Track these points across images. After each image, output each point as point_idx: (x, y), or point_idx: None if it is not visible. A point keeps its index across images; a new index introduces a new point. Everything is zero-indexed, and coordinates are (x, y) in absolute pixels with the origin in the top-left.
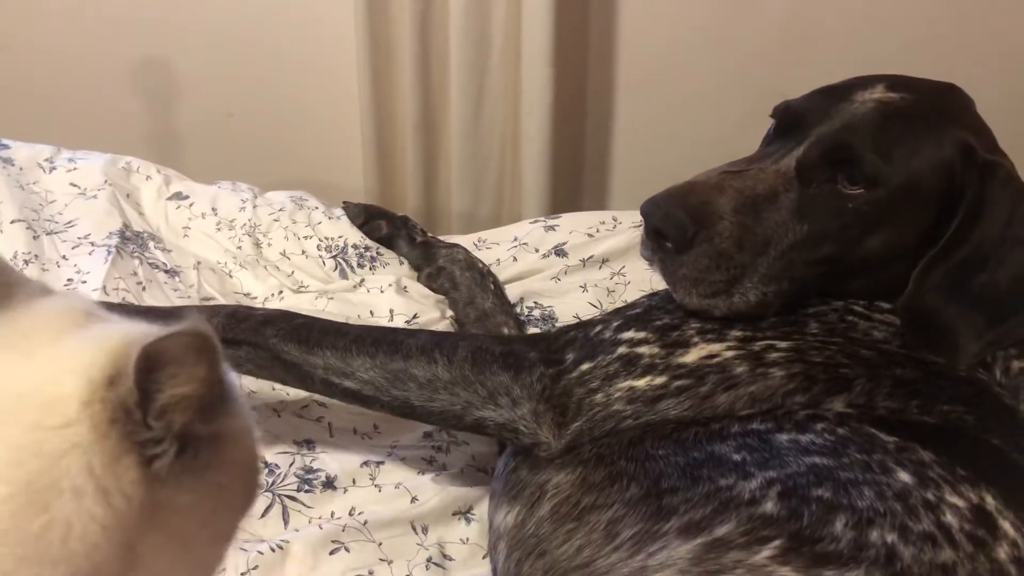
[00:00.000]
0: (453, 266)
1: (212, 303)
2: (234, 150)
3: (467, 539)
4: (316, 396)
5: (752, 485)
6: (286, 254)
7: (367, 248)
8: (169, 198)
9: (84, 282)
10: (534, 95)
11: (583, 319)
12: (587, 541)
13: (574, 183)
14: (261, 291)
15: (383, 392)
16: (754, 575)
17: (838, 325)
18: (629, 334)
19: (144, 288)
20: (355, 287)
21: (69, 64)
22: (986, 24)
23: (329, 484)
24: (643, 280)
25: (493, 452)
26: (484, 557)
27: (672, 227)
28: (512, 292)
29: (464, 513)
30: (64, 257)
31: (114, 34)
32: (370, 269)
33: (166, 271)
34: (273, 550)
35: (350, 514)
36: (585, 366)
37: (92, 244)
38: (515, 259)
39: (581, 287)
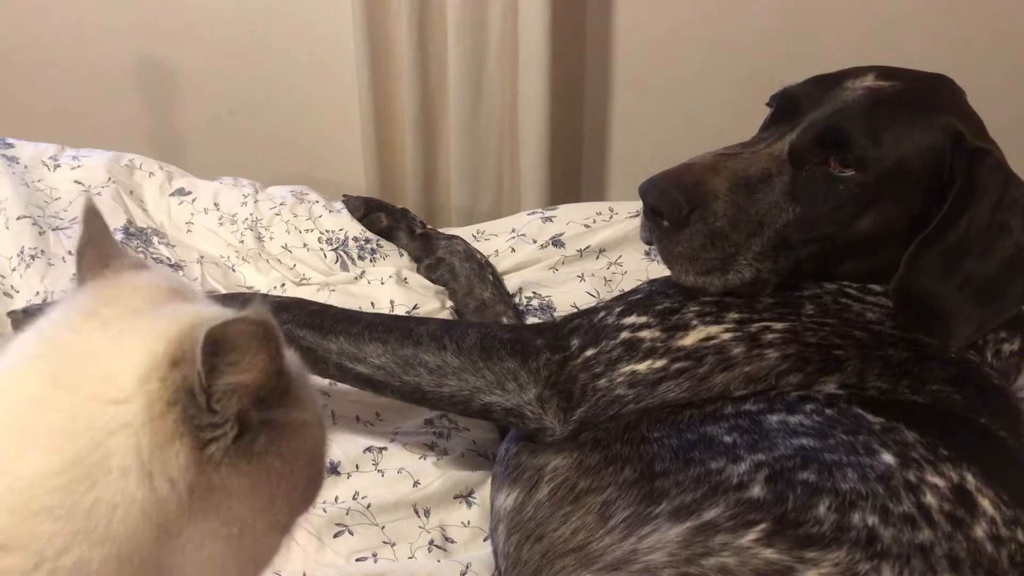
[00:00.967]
0: (452, 257)
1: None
2: (236, 148)
3: (468, 522)
4: (319, 385)
5: (741, 469)
6: (288, 247)
7: (367, 240)
8: (172, 194)
9: None
10: (531, 89)
11: (585, 307)
12: (582, 524)
13: (572, 176)
14: (264, 284)
15: (394, 377)
16: (739, 557)
17: (832, 307)
18: (631, 319)
19: None
20: (356, 279)
21: (72, 65)
22: (983, 16)
23: (333, 470)
24: (639, 270)
25: (494, 438)
26: (485, 540)
27: (668, 205)
28: (511, 283)
29: (465, 497)
30: (70, 253)
31: (116, 34)
32: (370, 261)
33: (170, 266)
34: None
35: (354, 498)
36: (589, 352)
37: None
38: (513, 250)
39: (579, 277)
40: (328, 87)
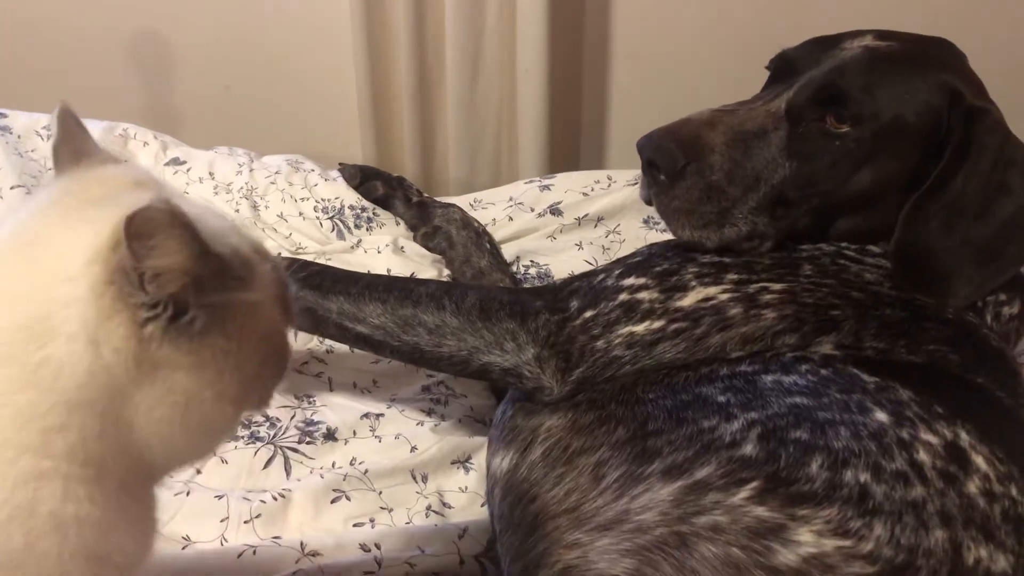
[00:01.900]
0: (449, 225)
1: None
2: (232, 122)
3: (466, 487)
4: (316, 352)
5: (734, 427)
6: (283, 216)
7: (363, 209)
8: (166, 163)
9: None
10: (529, 60)
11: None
12: (575, 485)
13: (571, 148)
14: None
15: (393, 337)
16: (731, 515)
17: (830, 268)
18: (630, 280)
19: None
20: (352, 247)
21: (68, 37)
22: None
23: (330, 436)
24: (638, 238)
25: (491, 404)
26: (482, 505)
27: (664, 158)
28: (508, 251)
29: (463, 462)
30: None
31: (112, 7)
32: (367, 230)
33: None
34: (275, 499)
35: (351, 464)
36: (588, 313)
37: None
38: (511, 219)
39: (576, 245)
40: (325, 60)
